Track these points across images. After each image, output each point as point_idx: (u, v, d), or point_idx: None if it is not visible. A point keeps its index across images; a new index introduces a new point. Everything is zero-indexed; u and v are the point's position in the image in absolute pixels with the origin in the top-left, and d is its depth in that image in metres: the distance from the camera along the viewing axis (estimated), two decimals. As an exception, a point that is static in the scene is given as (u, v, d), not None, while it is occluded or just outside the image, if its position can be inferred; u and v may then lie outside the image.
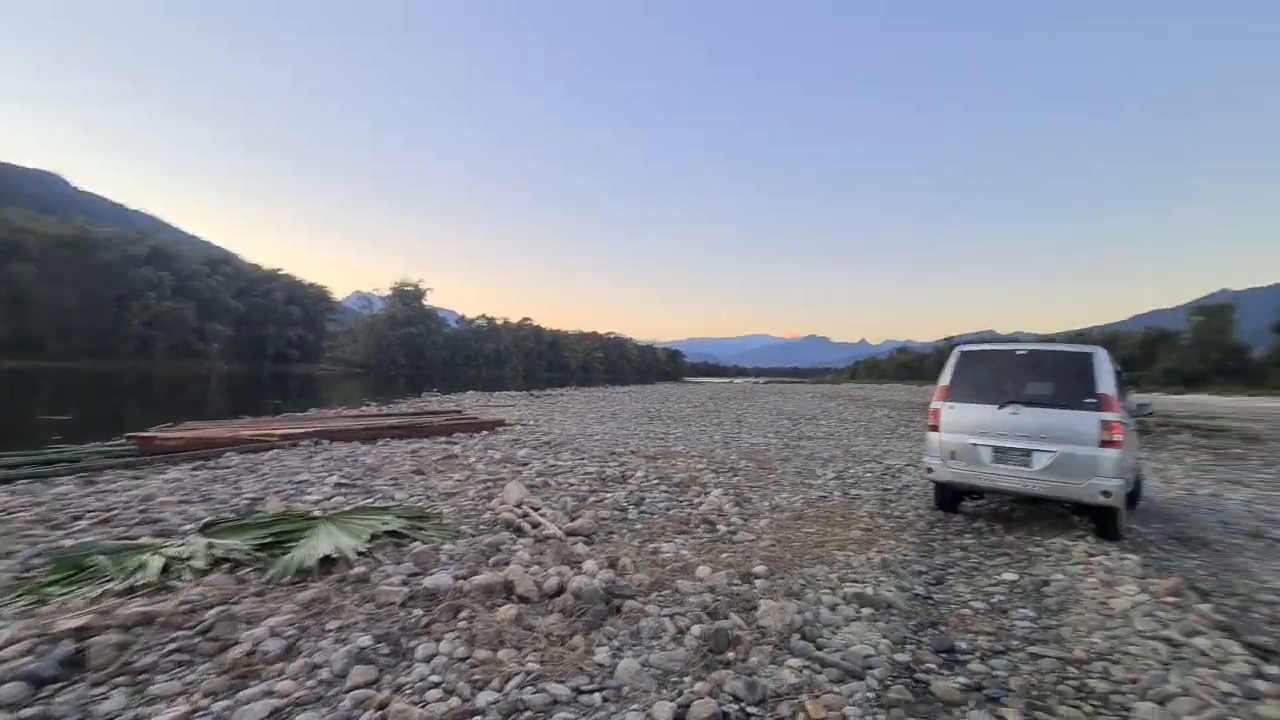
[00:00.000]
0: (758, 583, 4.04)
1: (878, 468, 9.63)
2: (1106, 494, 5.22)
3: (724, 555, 4.69)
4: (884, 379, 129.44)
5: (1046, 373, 5.86)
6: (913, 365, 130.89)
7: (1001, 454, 5.71)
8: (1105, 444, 5.26)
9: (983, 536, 5.68)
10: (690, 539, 5.20)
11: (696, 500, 6.71)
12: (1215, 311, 77.27)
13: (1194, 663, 2.90)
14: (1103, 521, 5.47)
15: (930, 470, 6.24)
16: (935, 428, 6.19)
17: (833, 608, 3.66)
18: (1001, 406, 5.78)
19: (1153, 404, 7.99)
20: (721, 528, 5.59)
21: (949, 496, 6.52)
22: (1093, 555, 4.80)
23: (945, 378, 6.30)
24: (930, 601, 3.98)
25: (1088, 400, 5.45)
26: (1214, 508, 7.43)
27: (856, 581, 4.15)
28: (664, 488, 7.32)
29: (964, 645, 3.27)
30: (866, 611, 3.62)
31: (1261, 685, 2.68)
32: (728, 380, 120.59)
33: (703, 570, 4.17)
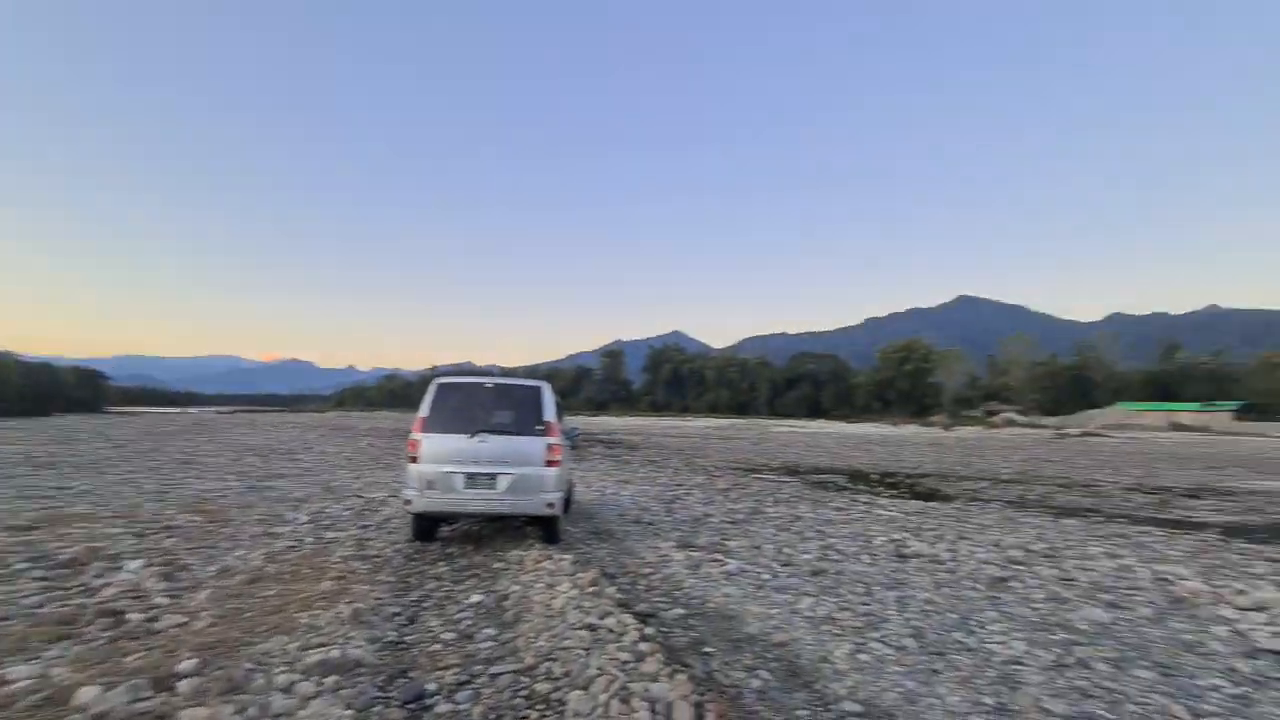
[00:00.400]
0: (183, 685, 3.08)
1: (359, 503, 9.13)
2: (550, 505, 6.23)
3: (133, 657, 3.46)
4: (373, 407, 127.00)
5: (508, 403, 6.65)
6: (400, 393, 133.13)
7: (472, 479, 6.14)
8: (549, 463, 6.29)
9: (455, 561, 5.95)
10: (77, 644, 3.67)
11: (98, 582, 4.87)
12: (613, 355, 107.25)
13: (606, 642, 3.63)
14: (548, 529, 6.51)
15: (409, 502, 6.21)
16: (415, 459, 6.21)
17: (288, 689, 3.08)
18: (473, 435, 6.25)
19: (580, 428, 10.18)
20: (136, 616, 4.17)
21: (427, 525, 6.63)
22: (540, 562, 5.60)
23: (424, 409, 6.41)
24: (402, 646, 3.84)
25: (537, 427, 6.43)
26: (615, 503, 9.90)
27: (322, 646, 3.65)
28: (38, 572, 5.07)
29: (433, 686, 3.23)
30: (330, 681, 3.18)
31: (645, 646, 3.53)
32: (178, 410, 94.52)
33: (88, 692, 2.93)
